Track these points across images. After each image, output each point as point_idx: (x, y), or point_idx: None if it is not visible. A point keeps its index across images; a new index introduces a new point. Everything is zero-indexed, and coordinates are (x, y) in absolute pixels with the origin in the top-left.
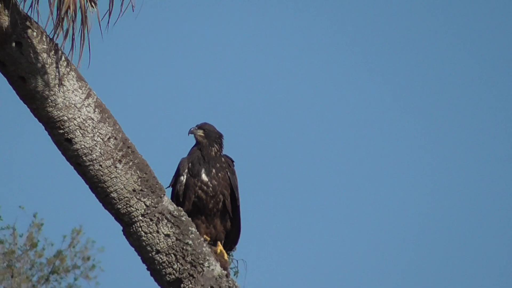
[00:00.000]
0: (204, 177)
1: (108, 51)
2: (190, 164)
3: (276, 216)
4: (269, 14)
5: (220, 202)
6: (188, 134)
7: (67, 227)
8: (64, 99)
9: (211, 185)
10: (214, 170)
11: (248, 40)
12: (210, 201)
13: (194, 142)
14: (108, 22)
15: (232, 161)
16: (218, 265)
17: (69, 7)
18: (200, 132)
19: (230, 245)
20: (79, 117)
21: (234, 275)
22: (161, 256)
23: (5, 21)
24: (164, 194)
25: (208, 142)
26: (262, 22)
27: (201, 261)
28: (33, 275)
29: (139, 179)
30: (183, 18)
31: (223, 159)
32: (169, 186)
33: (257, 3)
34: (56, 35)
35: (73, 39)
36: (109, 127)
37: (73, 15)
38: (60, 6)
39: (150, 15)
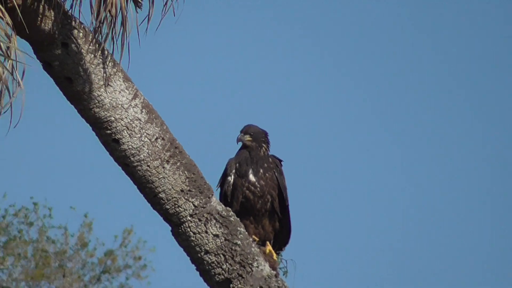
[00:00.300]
0: (251, 177)
1: (147, 53)
2: (237, 165)
3: (325, 214)
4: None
5: (268, 202)
6: (237, 142)
7: (118, 227)
8: (111, 99)
9: (258, 186)
10: (261, 170)
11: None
12: (258, 202)
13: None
14: (147, 27)
15: (280, 161)
16: (267, 265)
17: (111, 7)
18: (247, 138)
19: (280, 245)
20: (126, 117)
21: (283, 275)
22: (210, 256)
23: (50, 21)
24: (212, 195)
25: (256, 144)
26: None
27: (250, 261)
28: (85, 274)
29: (187, 180)
30: (218, 19)
31: (270, 159)
32: (217, 187)
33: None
34: (100, 36)
35: (113, 41)
36: (156, 128)
37: (115, 16)
38: (101, 7)
39: (188, 17)
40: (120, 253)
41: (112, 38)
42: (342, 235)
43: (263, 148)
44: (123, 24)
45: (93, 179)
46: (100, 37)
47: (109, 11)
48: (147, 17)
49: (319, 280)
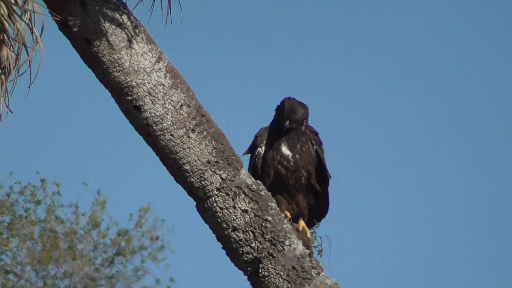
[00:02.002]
0: (284, 150)
1: (174, 14)
2: (269, 135)
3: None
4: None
5: (303, 177)
6: (285, 130)
7: (134, 205)
8: (132, 63)
9: (292, 160)
10: (296, 143)
11: None
12: (292, 177)
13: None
14: None
15: (316, 133)
16: (300, 243)
17: None
18: (294, 125)
19: (315, 219)
20: (148, 82)
21: (318, 254)
22: (238, 233)
23: None
24: (241, 167)
25: (299, 125)
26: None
27: (282, 239)
28: (96, 257)
29: (214, 150)
30: None
31: (307, 131)
32: (243, 154)
33: None
34: None
35: None
36: (181, 94)
37: None
38: None
39: None
40: (135, 234)
41: None
42: (383, 211)
43: (304, 125)
44: None
45: (108, 152)
46: None
47: None
48: None
49: (356, 259)
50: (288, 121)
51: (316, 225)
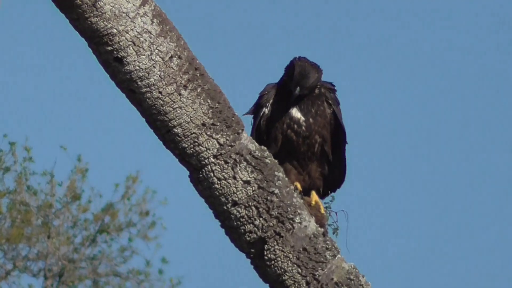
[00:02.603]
0: (295, 112)
1: None
2: (277, 94)
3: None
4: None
5: (316, 144)
6: (295, 98)
7: (120, 174)
8: (113, 6)
9: (304, 124)
10: (309, 103)
11: None
12: (303, 144)
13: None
14: None
15: (333, 88)
16: (312, 220)
17: None
18: (305, 91)
19: (330, 189)
20: (132, 29)
21: (333, 233)
22: (239, 209)
23: None
24: (242, 130)
25: (312, 91)
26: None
27: (291, 216)
28: (76, 235)
29: (210, 110)
30: None
31: (322, 89)
32: (244, 114)
33: None
34: None
35: None
36: (171, 43)
37: None
38: None
39: None
40: (121, 207)
41: None
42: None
43: (317, 87)
44: None
45: (90, 110)
46: None
47: None
48: None
49: (379, 238)
50: (298, 87)
51: (331, 199)
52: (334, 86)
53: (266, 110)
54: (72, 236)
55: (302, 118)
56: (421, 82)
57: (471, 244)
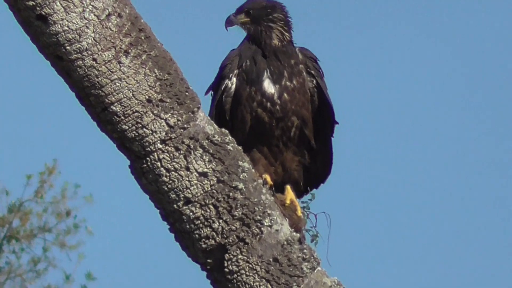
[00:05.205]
0: (267, 85)
1: None
2: (244, 62)
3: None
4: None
5: (293, 128)
6: (227, 28)
7: (33, 164)
8: None
9: (279, 101)
10: (285, 75)
11: None
12: (277, 126)
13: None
14: None
15: (315, 59)
16: (286, 224)
17: None
18: (242, 17)
19: (312, 183)
20: None
21: (312, 241)
22: (193, 208)
23: None
24: (198, 108)
25: (260, 27)
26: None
27: (258, 217)
28: None
29: (158, 83)
30: None
31: (300, 55)
32: (207, 93)
33: None
34: None
35: None
36: None
37: None
38: None
39: None
40: (34, 207)
41: None
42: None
43: (276, 31)
44: None
45: None
46: None
47: None
48: None
49: (364, 246)
50: (235, 12)
51: (310, 197)
52: (316, 58)
53: (229, 83)
54: None
55: (276, 94)
56: (413, 81)
57: (467, 248)
